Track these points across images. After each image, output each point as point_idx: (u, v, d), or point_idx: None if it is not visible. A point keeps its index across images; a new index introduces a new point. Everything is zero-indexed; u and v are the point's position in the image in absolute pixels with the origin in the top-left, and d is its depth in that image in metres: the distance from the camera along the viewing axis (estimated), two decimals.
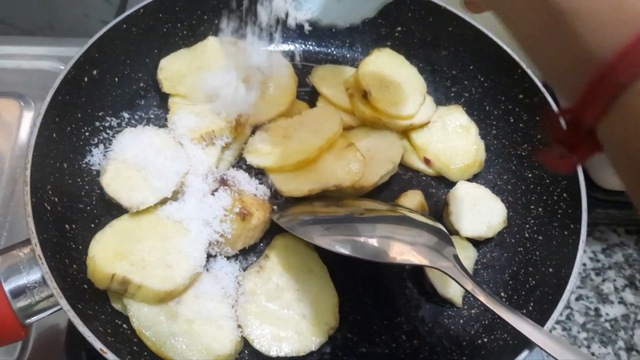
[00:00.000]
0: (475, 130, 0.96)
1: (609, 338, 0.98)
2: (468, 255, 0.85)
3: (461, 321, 0.81)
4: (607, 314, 1.01)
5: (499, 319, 0.66)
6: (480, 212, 0.88)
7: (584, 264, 1.07)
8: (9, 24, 1.35)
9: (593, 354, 0.96)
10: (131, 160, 0.82)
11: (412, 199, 0.87)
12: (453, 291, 0.81)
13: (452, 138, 0.95)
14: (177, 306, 0.73)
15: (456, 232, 0.86)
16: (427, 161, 0.94)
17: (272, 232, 0.83)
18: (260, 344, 0.73)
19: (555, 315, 0.70)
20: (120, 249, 0.73)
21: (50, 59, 1.09)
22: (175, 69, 0.94)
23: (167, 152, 0.83)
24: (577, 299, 1.02)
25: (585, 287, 1.04)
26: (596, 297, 1.03)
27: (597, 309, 1.01)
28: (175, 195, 0.81)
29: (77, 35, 0.86)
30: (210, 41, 0.95)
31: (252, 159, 0.84)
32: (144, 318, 0.71)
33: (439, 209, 0.91)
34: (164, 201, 0.80)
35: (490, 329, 0.79)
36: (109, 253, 0.72)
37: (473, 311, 0.81)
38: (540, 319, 0.71)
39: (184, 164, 0.83)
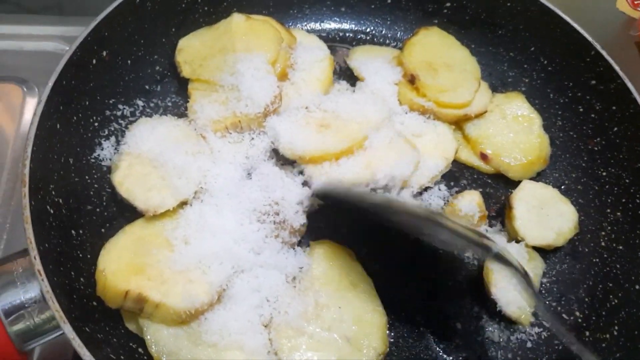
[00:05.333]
0: (538, 121, 0.85)
1: None
2: (535, 266, 0.74)
3: (529, 345, 0.70)
4: None
5: None
6: (548, 216, 0.76)
7: None
8: (14, 2, 1.24)
9: None
10: (147, 155, 0.73)
11: (469, 201, 0.76)
12: (520, 309, 0.69)
13: (512, 130, 0.84)
14: (201, 327, 0.63)
15: (521, 240, 0.74)
16: (484, 157, 0.82)
17: (308, 236, 0.72)
18: None
19: None
20: (135, 261, 0.64)
21: (56, 40, 0.99)
22: (195, 51, 0.83)
23: (187, 146, 0.74)
24: None
25: None
26: None
27: None
28: (197, 196, 0.70)
29: (87, 15, 0.76)
30: (235, 18, 0.83)
31: (285, 150, 0.73)
32: (163, 343, 0.62)
33: (499, 213, 0.79)
34: (184, 203, 0.69)
35: (565, 357, 0.67)
36: (121, 265, 0.63)
37: (543, 333, 0.70)
38: (629, 347, 0.60)
39: (207, 159, 0.72)
